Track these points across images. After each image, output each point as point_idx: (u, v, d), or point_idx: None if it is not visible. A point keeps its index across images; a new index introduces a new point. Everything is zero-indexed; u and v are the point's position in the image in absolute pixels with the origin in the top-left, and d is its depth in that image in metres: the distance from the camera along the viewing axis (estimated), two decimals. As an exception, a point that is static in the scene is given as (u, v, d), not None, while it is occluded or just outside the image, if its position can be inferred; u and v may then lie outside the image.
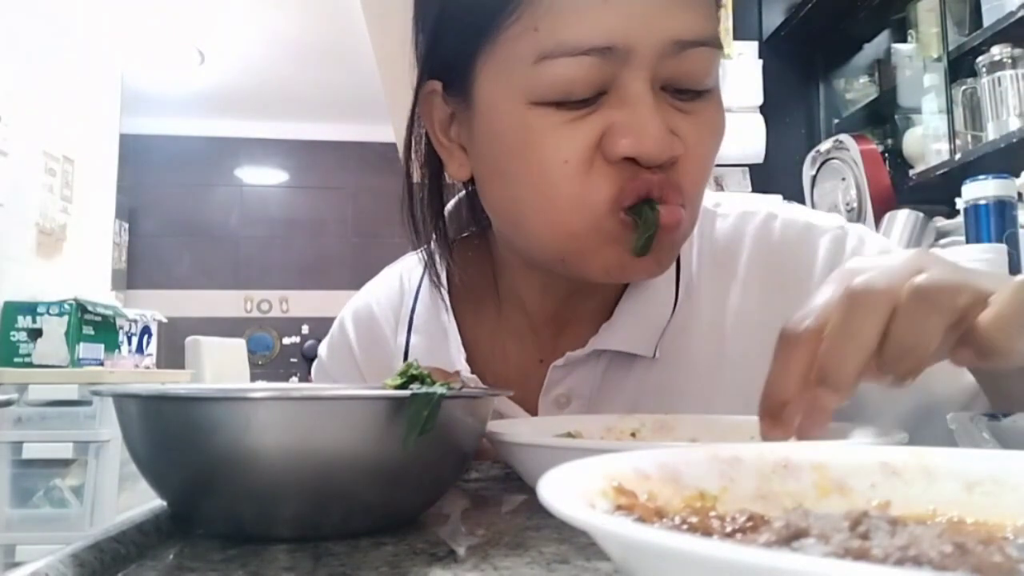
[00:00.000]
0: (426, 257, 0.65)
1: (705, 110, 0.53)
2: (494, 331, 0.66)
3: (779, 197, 1.64)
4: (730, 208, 0.66)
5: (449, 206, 0.68)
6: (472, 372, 0.62)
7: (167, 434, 0.40)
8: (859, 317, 0.36)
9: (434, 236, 0.64)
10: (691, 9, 0.50)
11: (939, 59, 1.94)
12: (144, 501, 0.44)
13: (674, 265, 0.62)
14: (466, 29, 0.54)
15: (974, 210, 1.63)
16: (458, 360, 0.62)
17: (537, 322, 0.65)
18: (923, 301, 0.35)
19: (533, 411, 0.63)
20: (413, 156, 0.63)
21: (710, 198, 0.66)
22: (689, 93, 0.52)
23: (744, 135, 2.25)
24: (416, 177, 0.64)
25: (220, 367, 3.50)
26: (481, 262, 0.68)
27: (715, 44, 0.52)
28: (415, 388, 0.41)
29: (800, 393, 0.37)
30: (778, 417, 0.37)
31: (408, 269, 0.72)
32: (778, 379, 0.37)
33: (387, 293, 0.72)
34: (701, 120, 0.53)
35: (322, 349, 0.74)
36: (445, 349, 0.64)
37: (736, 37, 2.31)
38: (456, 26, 0.55)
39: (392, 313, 0.69)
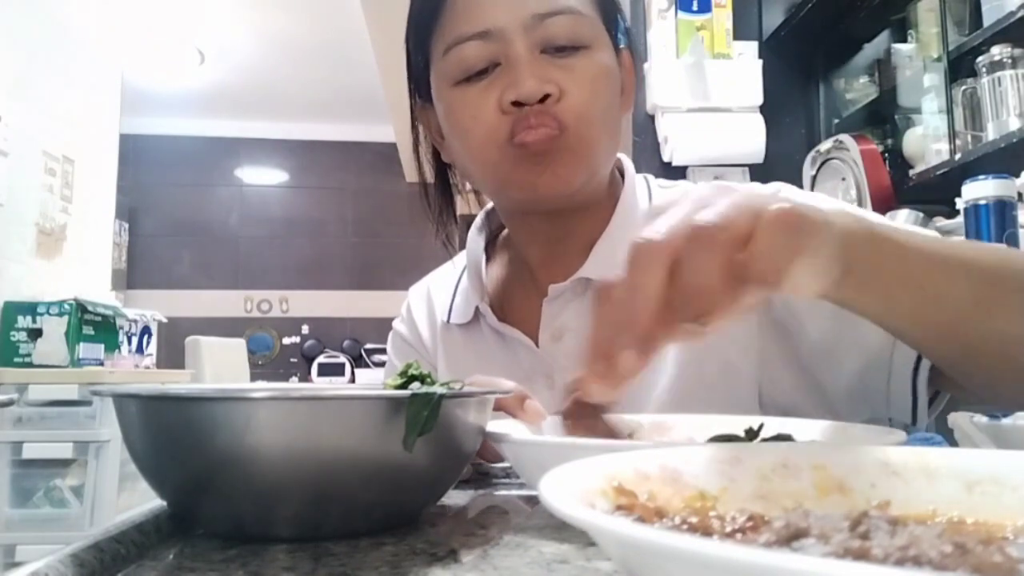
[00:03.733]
0: (439, 227, 0.82)
1: (579, 62, 0.69)
2: (510, 283, 0.83)
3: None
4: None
5: (484, 211, 0.88)
6: (495, 315, 0.78)
7: (167, 434, 0.40)
8: (640, 272, 0.37)
9: (443, 210, 0.82)
10: None
11: (939, 59, 1.94)
12: (144, 501, 0.44)
13: (646, 221, 0.70)
14: (419, 49, 0.74)
15: (974, 210, 1.63)
16: (482, 307, 0.79)
17: (534, 268, 0.80)
18: (697, 241, 0.36)
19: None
20: (421, 154, 0.82)
21: (690, 188, 0.79)
22: (565, 50, 0.69)
23: (744, 135, 2.25)
24: (427, 171, 0.82)
25: (220, 367, 3.50)
26: (506, 240, 0.87)
27: (570, 12, 0.69)
28: (415, 388, 0.41)
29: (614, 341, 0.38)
30: (600, 373, 0.38)
31: (461, 256, 0.89)
32: (594, 336, 0.39)
33: (443, 274, 0.91)
34: (576, 69, 0.68)
35: (395, 323, 0.94)
36: (475, 299, 0.80)
37: (736, 37, 2.31)
38: (415, 49, 0.75)
39: (445, 288, 0.87)
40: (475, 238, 0.85)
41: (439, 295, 0.88)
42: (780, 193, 0.72)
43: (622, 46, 0.76)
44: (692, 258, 0.36)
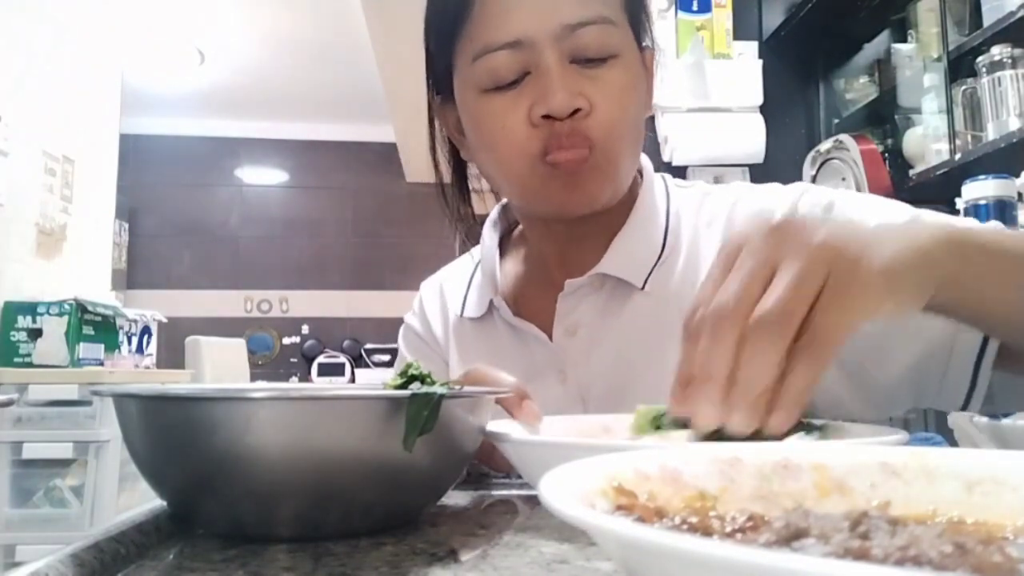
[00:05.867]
0: (457, 225, 0.82)
1: (609, 73, 0.68)
2: (525, 278, 0.83)
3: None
4: (717, 194, 0.80)
5: (498, 208, 0.89)
6: (509, 309, 0.78)
7: (167, 434, 0.40)
8: (713, 354, 0.41)
9: (462, 210, 0.82)
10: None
11: (939, 59, 1.94)
12: (144, 501, 0.44)
13: (664, 220, 0.77)
14: (442, 50, 0.73)
15: (974, 210, 1.63)
16: (497, 300, 0.79)
17: (550, 265, 0.80)
18: (762, 334, 0.39)
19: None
20: (439, 150, 0.81)
21: (708, 187, 0.82)
22: (595, 61, 0.68)
23: (744, 135, 2.25)
24: (444, 169, 0.81)
25: (220, 367, 3.50)
26: (521, 235, 0.88)
27: (601, 21, 0.67)
28: (415, 388, 0.41)
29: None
30: (683, 394, 0.42)
31: (476, 251, 0.89)
32: (680, 371, 0.43)
33: (456, 269, 0.91)
34: (606, 81, 0.68)
35: (407, 317, 0.93)
36: (489, 293, 0.81)
37: (736, 37, 2.31)
38: (437, 49, 0.74)
39: (459, 283, 0.88)
40: (490, 233, 0.85)
41: (452, 290, 0.88)
42: (805, 196, 0.72)
43: (645, 45, 0.75)
44: (754, 351, 0.39)
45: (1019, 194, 1.68)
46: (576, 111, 0.66)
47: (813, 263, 0.40)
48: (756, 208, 0.74)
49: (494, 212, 0.88)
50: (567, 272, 0.76)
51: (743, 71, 2.28)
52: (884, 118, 2.30)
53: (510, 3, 0.67)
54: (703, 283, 0.43)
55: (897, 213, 0.67)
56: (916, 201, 2.07)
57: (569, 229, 0.76)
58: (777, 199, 0.74)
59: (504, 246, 0.87)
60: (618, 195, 0.73)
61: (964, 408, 0.63)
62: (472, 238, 0.85)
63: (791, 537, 0.21)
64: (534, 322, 0.77)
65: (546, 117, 0.66)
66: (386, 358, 5.50)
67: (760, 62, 2.30)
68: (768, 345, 0.39)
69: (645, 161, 0.82)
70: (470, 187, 0.82)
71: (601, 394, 0.73)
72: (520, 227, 0.88)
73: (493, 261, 0.82)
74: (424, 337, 0.89)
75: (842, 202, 0.70)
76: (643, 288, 0.74)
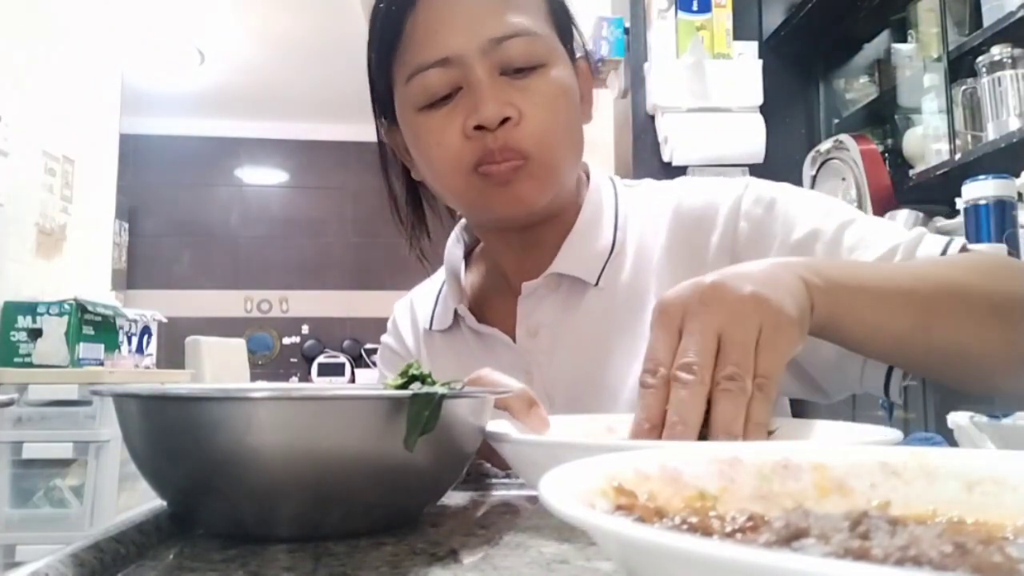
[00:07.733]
0: (411, 241, 0.86)
1: (537, 82, 0.71)
2: (487, 289, 0.87)
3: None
4: (663, 190, 0.83)
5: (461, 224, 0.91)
6: (474, 316, 0.81)
7: (167, 434, 0.40)
8: (687, 409, 0.45)
9: (415, 225, 0.86)
10: (498, 14, 0.70)
11: (939, 59, 1.94)
12: (144, 501, 0.44)
13: (613, 218, 0.80)
14: (381, 76, 0.76)
15: (974, 210, 1.63)
16: (461, 309, 0.82)
17: (508, 273, 0.83)
18: (730, 393, 0.45)
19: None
20: (390, 172, 0.85)
21: (656, 184, 0.85)
22: (523, 70, 0.71)
23: (744, 135, 2.25)
24: (398, 189, 0.85)
25: (220, 367, 3.50)
26: (482, 250, 0.91)
27: (525, 33, 0.70)
28: (416, 388, 0.41)
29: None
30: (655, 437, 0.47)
31: (441, 271, 0.92)
32: (641, 417, 0.47)
33: (424, 287, 0.94)
34: (534, 90, 0.71)
35: (384, 337, 0.97)
36: (454, 303, 0.83)
37: (736, 37, 2.31)
38: (377, 75, 0.77)
39: (427, 299, 0.90)
40: (453, 248, 0.89)
41: (421, 306, 0.91)
42: (748, 191, 0.76)
43: (578, 56, 0.78)
44: (726, 405, 0.45)
45: (1019, 194, 1.68)
46: (506, 120, 0.68)
47: (748, 320, 0.47)
48: (701, 202, 0.77)
49: (456, 230, 0.91)
50: (524, 278, 0.79)
51: (743, 71, 2.28)
52: (884, 118, 2.30)
53: (437, 23, 0.70)
54: (652, 344, 0.49)
55: (837, 210, 0.72)
56: (916, 201, 2.07)
57: (522, 236, 0.79)
58: (721, 194, 0.76)
59: (467, 262, 0.90)
60: (559, 200, 0.76)
61: (886, 390, 0.66)
62: (427, 255, 0.88)
63: (791, 537, 0.21)
64: (498, 327, 0.80)
65: (478, 128, 0.69)
66: (386, 358, 5.49)
67: (760, 62, 2.30)
68: (736, 403, 0.45)
69: (590, 166, 0.85)
70: (424, 206, 0.85)
71: (566, 389, 0.75)
72: (481, 244, 0.91)
73: (457, 273, 0.86)
74: (400, 352, 0.92)
75: (784, 199, 0.73)
76: (597, 284, 0.77)
